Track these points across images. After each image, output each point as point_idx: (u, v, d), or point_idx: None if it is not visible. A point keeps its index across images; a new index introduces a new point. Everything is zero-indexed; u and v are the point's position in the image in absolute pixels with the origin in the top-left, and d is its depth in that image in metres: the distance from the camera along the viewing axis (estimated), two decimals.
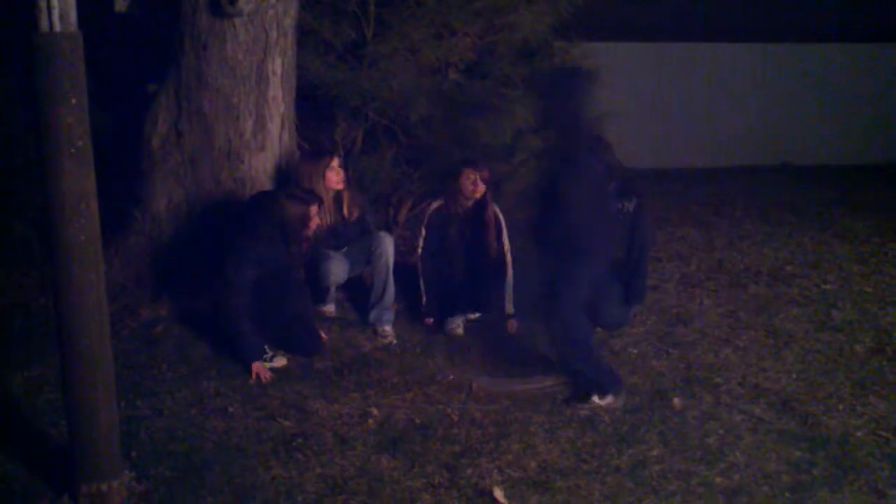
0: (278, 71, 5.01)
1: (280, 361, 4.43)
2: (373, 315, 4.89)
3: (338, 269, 4.90)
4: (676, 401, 4.12)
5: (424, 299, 5.05)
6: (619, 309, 5.05)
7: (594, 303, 5.08)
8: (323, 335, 4.67)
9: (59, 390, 3.17)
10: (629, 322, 5.09)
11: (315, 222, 4.60)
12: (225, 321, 4.38)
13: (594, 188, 4.29)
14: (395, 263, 4.97)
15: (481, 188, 4.95)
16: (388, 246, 4.89)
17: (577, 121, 4.20)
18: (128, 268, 5.05)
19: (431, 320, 5.02)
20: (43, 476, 3.36)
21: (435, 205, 5.09)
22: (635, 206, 4.98)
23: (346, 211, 4.98)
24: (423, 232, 5.08)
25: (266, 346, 4.41)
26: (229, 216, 4.75)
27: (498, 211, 5.10)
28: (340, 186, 4.90)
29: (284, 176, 5.12)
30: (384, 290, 4.89)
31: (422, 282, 5.06)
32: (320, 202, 4.68)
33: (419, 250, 5.09)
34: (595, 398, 4.08)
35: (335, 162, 4.86)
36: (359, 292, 5.21)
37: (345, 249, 5.01)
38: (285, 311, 4.52)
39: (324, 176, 4.82)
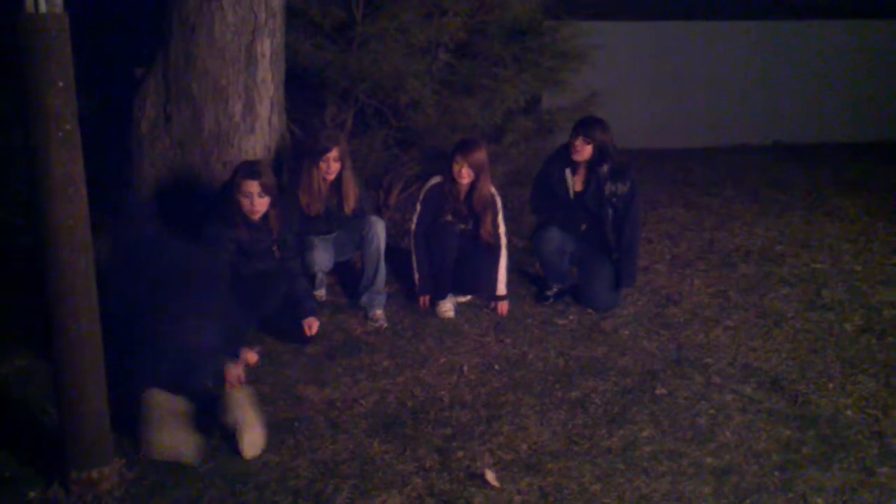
0: (267, 52, 4.97)
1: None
2: (364, 299, 4.89)
3: (321, 258, 4.88)
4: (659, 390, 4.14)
5: (417, 277, 5.03)
6: (609, 291, 5.05)
7: (584, 284, 5.12)
8: (310, 328, 4.48)
9: (49, 377, 3.16)
10: (619, 303, 5.09)
11: (247, 201, 4.27)
12: None
13: None
14: (387, 246, 4.96)
15: (466, 176, 4.91)
16: (379, 230, 4.87)
17: None
18: None
19: (426, 298, 5.01)
20: (33, 463, 3.36)
21: (433, 181, 5.04)
22: (628, 189, 4.97)
23: (345, 205, 4.90)
24: (419, 208, 5.03)
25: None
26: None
27: (495, 192, 5.07)
28: (330, 177, 4.82)
29: (274, 159, 5.10)
30: (375, 273, 4.88)
31: (414, 259, 5.03)
32: (264, 179, 4.29)
33: (413, 226, 5.04)
34: None
35: (331, 154, 4.78)
36: (350, 276, 5.20)
37: (335, 234, 4.99)
38: (272, 298, 4.48)
39: (317, 165, 4.78)
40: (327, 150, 4.75)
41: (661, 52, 9.48)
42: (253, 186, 4.27)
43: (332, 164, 4.78)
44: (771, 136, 9.86)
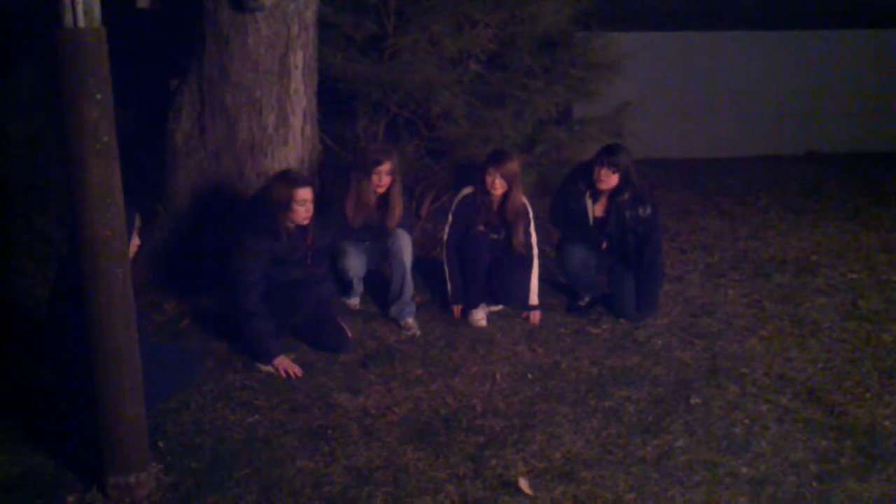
0: (300, 65, 5.02)
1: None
2: (393, 310, 4.90)
3: (355, 264, 4.91)
4: None
5: (450, 287, 5.04)
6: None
7: (615, 295, 5.08)
8: (349, 332, 4.66)
9: (87, 383, 3.20)
10: (651, 314, 5.05)
11: (303, 209, 4.30)
12: (238, 320, 4.34)
13: None
14: (419, 256, 4.97)
15: (499, 187, 4.92)
16: (404, 243, 4.87)
17: None
18: (153, 262, 5.09)
19: (458, 308, 5.02)
20: (72, 468, 3.41)
21: (465, 192, 5.06)
22: (649, 215, 4.94)
23: (389, 218, 4.92)
24: (451, 218, 5.05)
25: None
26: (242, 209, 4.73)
27: (526, 202, 5.07)
28: (381, 191, 4.85)
29: (308, 169, 5.14)
30: (402, 286, 4.88)
31: (447, 269, 5.04)
32: (313, 187, 4.40)
33: (445, 237, 5.06)
34: None
35: (383, 167, 4.79)
36: (382, 285, 5.22)
37: (367, 243, 5.02)
38: (305, 305, 4.51)
39: (369, 178, 4.82)
40: (379, 163, 4.77)
41: (692, 61, 9.42)
42: (308, 193, 4.31)
43: (384, 178, 4.80)
44: (805, 145, 9.75)
